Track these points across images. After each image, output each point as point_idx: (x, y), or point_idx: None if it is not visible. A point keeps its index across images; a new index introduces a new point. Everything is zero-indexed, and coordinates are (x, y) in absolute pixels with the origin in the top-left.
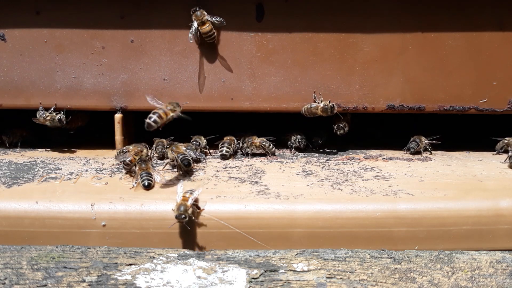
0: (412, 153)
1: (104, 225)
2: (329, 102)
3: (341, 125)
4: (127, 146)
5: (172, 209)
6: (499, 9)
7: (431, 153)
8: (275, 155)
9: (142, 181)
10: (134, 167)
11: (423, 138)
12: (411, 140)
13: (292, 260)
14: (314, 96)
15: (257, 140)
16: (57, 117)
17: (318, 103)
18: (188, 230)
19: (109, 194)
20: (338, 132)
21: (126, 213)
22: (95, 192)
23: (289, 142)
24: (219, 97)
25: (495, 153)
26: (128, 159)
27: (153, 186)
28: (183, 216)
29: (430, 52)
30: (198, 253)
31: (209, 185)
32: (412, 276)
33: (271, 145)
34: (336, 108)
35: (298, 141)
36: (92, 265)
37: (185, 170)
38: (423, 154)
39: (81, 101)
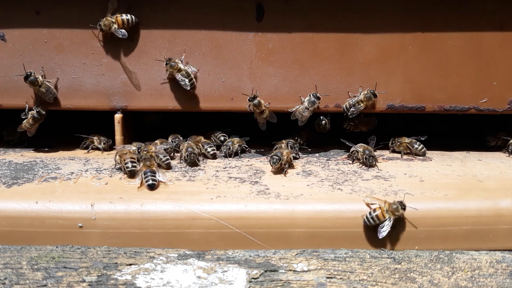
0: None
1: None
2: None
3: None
4: (124, 147)
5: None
6: (499, 9)
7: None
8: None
9: (147, 180)
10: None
11: (360, 150)
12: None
13: (292, 260)
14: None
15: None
16: (35, 111)
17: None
18: (188, 230)
19: (109, 194)
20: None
21: (126, 213)
22: (95, 192)
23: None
24: (219, 97)
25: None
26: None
27: (157, 186)
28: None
29: (430, 52)
30: (198, 253)
31: (209, 185)
32: (412, 276)
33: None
34: None
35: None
36: (92, 265)
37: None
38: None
39: (81, 101)
